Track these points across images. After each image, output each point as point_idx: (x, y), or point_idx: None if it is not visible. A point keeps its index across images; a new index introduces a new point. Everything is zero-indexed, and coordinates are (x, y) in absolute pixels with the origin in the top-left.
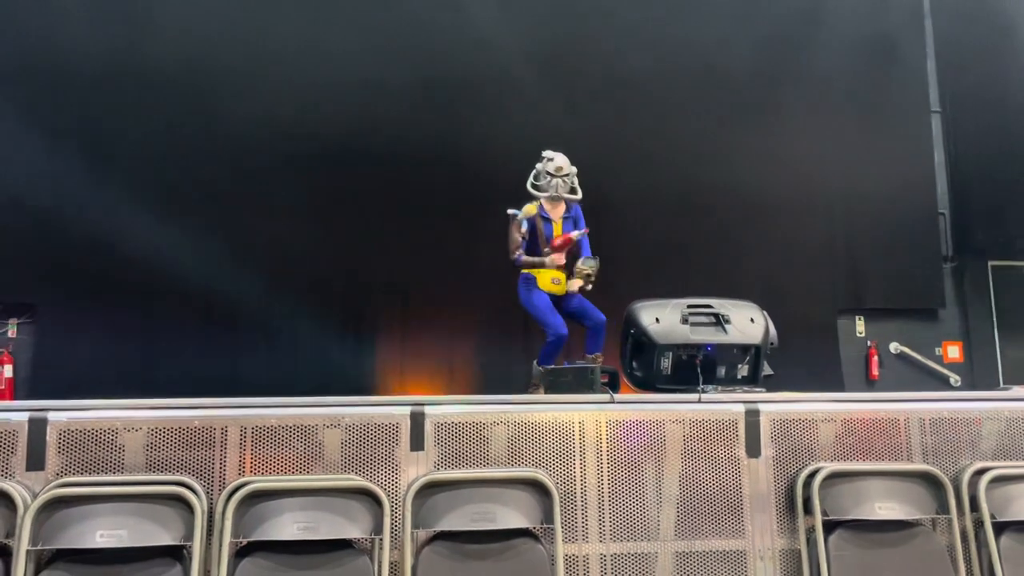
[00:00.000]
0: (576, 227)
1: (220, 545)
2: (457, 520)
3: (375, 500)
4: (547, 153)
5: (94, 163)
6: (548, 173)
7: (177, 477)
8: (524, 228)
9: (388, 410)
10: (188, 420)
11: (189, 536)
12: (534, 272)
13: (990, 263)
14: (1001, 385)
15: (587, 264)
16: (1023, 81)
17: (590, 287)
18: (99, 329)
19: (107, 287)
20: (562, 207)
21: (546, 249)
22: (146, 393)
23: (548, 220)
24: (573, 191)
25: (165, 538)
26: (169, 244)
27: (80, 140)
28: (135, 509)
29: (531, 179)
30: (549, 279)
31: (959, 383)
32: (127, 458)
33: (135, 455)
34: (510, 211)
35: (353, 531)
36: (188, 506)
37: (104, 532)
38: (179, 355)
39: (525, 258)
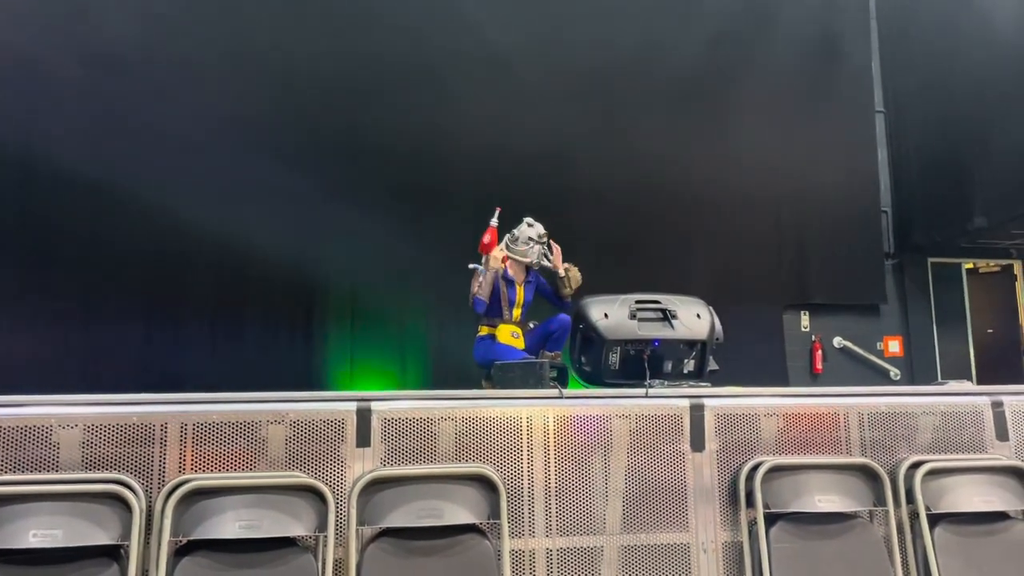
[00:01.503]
0: (537, 288)
1: (159, 544)
2: (403, 517)
3: (320, 497)
4: (528, 219)
5: (32, 146)
6: (531, 239)
7: (114, 475)
8: (483, 266)
9: (334, 406)
10: (126, 416)
11: (126, 535)
12: (493, 331)
13: (930, 260)
14: (938, 379)
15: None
16: (966, 82)
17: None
18: (36, 322)
19: (45, 278)
20: (525, 271)
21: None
22: (85, 389)
23: (511, 283)
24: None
25: (101, 538)
26: (111, 234)
27: (21, 122)
28: (70, 508)
29: (507, 242)
30: (509, 334)
31: (899, 377)
32: (62, 456)
33: (70, 453)
34: (471, 266)
35: (297, 529)
36: (126, 505)
37: (38, 532)
38: (121, 350)
39: (483, 296)
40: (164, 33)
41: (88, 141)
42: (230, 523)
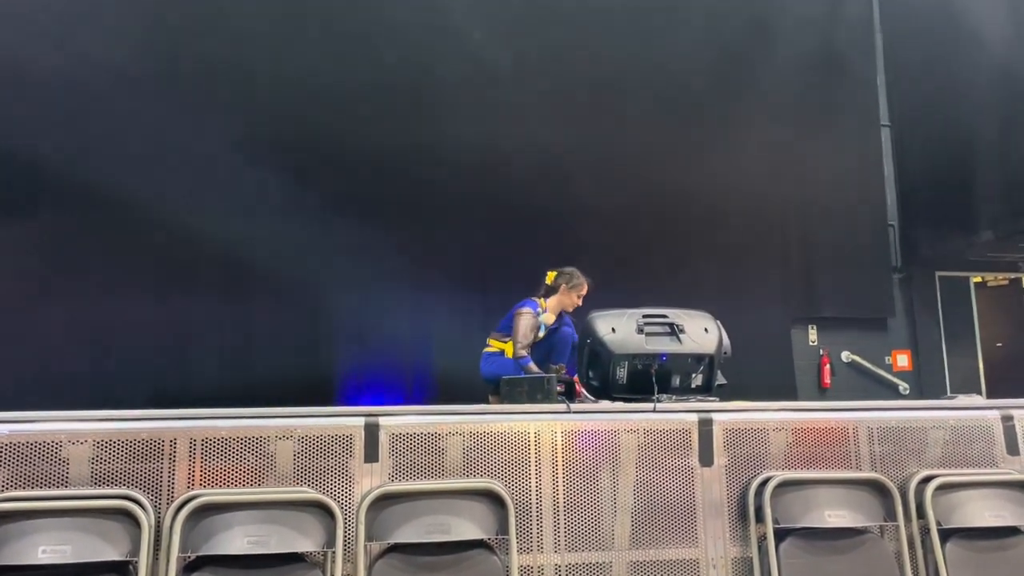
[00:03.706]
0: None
1: (168, 560)
2: (411, 532)
3: (328, 513)
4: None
5: (43, 158)
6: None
7: (123, 491)
8: (542, 333)
9: (342, 421)
10: (135, 432)
11: (135, 551)
12: (503, 346)
13: (937, 274)
14: (947, 393)
15: None
16: (971, 94)
17: None
18: (42, 336)
19: (51, 289)
20: (557, 318)
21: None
22: (92, 403)
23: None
24: None
25: (110, 553)
26: (115, 244)
27: (30, 134)
28: (79, 524)
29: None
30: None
31: (908, 391)
32: (71, 471)
33: (80, 468)
34: (525, 309)
35: (305, 544)
36: (134, 520)
37: (47, 548)
38: (128, 362)
39: (533, 365)
40: (169, 47)
41: (101, 154)
42: (238, 539)
